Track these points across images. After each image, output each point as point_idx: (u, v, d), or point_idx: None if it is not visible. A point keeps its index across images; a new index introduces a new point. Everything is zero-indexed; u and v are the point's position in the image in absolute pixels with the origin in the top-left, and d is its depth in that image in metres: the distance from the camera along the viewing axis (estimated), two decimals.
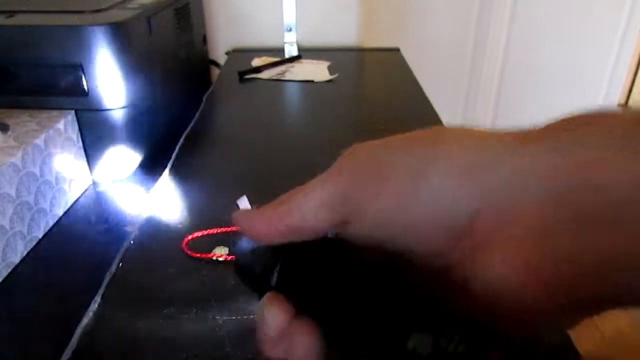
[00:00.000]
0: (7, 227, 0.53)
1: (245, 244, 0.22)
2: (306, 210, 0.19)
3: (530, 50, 1.27)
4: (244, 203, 0.56)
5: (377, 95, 0.97)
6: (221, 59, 1.21)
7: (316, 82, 0.97)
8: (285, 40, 1.18)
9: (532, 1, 1.23)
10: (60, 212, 0.63)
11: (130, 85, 0.69)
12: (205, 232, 0.52)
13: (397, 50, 1.16)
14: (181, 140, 0.75)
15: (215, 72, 1.20)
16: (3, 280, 0.52)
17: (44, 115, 0.64)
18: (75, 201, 0.66)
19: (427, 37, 1.27)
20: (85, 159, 0.69)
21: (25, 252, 0.56)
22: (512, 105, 1.34)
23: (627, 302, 0.15)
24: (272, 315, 0.19)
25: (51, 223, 0.61)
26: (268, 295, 0.20)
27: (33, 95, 0.68)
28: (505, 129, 0.18)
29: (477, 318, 0.17)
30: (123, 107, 0.68)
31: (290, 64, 1.08)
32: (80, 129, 0.68)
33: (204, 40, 1.12)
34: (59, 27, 0.64)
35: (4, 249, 0.52)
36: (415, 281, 0.18)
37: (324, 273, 0.20)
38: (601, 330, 1.16)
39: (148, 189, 0.63)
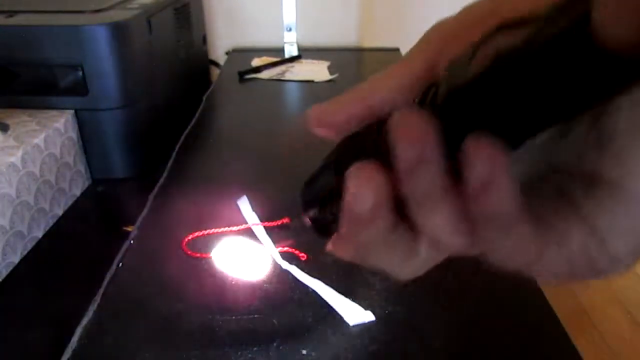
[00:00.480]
0: (7, 227, 0.53)
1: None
2: (392, 88, 0.17)
3: None
4: (244, 203, 0.56)
5: None
6: (221, 59, 1.21)
7: (316, 82, 0.97)
8: (285, 40, 1.18)
9: None
10: (60, 211, 0.63)
11: (130, 85, 0.69)
12: (205, 232, 0.52)
13: (397, 50, 1.16)
14: (181, 140, 0.75)
15: (215, 72, 1.20)
16: (3, 280, 0.52)
17: (44, 115, 0.64)
18: (75, 201, 0.66)
19: None
20: (85, 158, 0.69)
21: (25, 252, 0.56)
22: None
23: None
24: (358, 184, 0.16)
25: (51, 223, 0.61)
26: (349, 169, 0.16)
27: (33, 95, 0.68)
28: None
29: None
30: (123, 107, 0.68)
31: (290, 64, 1.08)
32: (80, 129, 0.68)
33: (204, 40, 1.12)
34: (59, 27, 0.64)
35: (3, 248, 0.52)
36: None
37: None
38: (600, 330, 1.16)
39: (148, 188, 0.63)
